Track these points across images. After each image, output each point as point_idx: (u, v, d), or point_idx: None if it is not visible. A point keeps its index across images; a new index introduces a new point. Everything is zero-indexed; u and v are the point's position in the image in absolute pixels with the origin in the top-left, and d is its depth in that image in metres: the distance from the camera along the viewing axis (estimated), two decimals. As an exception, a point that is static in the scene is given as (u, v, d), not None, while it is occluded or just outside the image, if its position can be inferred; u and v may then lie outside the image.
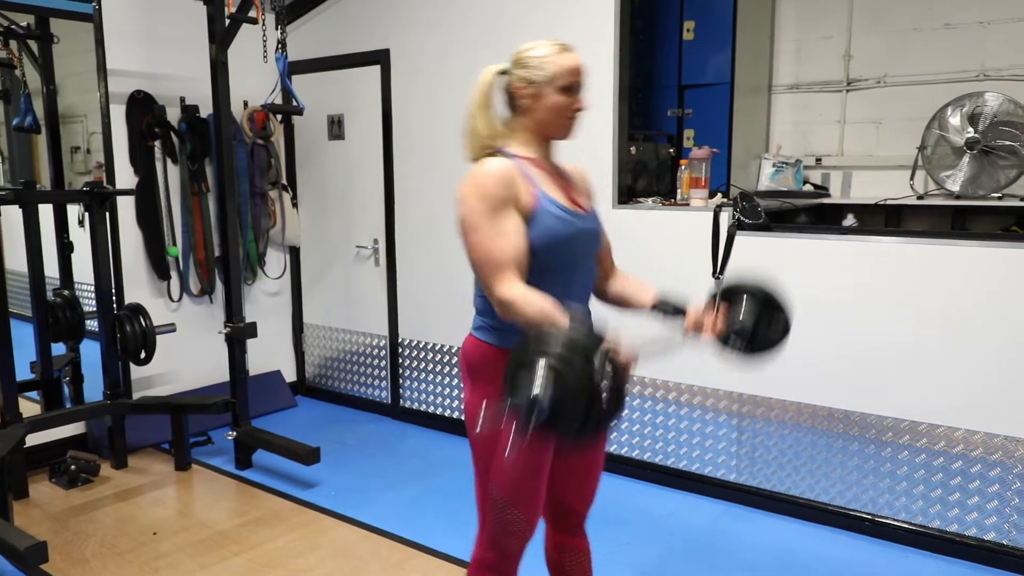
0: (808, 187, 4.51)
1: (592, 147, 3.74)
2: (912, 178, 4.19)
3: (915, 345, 3.07)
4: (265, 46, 3.89)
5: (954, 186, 3.97)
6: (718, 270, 3.50)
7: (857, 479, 3.26)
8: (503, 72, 1.89)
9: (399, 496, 3.71)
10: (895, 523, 3.18)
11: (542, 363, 1.43)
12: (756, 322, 1.93)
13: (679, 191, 3.73)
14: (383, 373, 4.84)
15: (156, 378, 4.46)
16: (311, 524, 3.42)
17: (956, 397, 3.01)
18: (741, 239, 3.45)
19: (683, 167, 3.72)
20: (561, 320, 1.63)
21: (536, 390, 1.41)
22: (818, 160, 4.58)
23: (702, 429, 3.61)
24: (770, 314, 1.95)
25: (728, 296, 1.99)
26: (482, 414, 1.74)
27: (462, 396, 1.90)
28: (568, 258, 1.86)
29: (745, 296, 1.96)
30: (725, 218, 3.48)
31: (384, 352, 4.80)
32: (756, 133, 4.62)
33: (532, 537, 1.94)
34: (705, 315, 1.92)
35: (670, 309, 1.97)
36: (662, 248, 3.58)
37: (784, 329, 1.98)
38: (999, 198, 3.94)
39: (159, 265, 4.41)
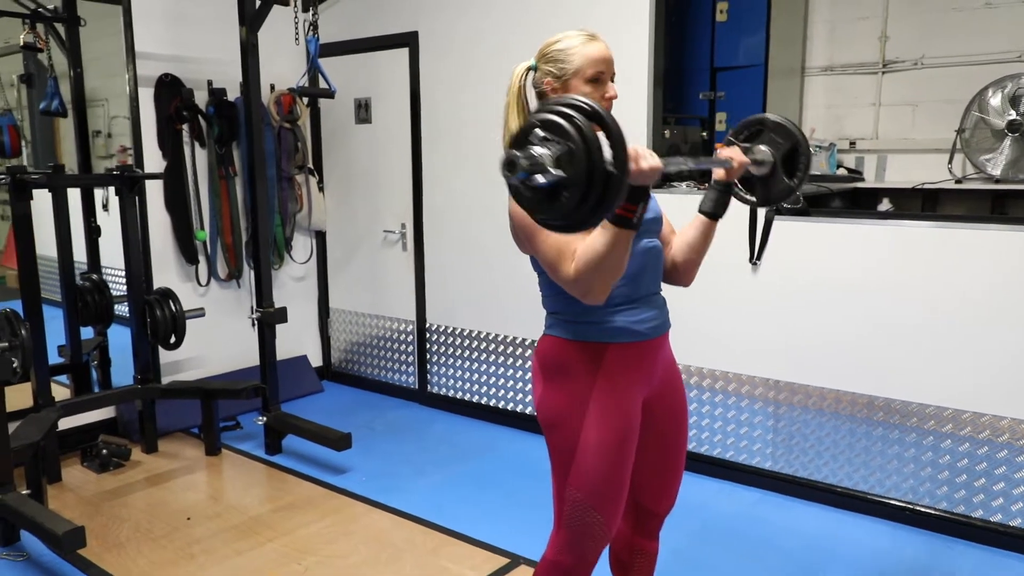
0: (842, 171, 4.44)
1: (626, 131, 3.68)
2: (950, 162, 4.11)
3: (956, 331, 3.01)
4: (297, 28, 3.85)
5: (995, 170, 3.90)
6: (755, 256, 3.47)
7: (897, 467, 3.21)
8: (531, 68, 1.83)
9: (430, 482, 3.70)
10: (935, 512, 3.13)
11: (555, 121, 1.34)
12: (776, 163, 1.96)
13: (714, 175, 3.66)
14: (410, 358, 4.82)
15: (184, 363, 4.45)
16: (343, 510, 3.41)
17: (1002, 385, 2.96)
18: (778, 224, 3.41)
19: (719, 151, 3.65)
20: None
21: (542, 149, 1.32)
22: (852, 144, 4.51)
23: (737, 416, 3.57)
24: (792, 158, 1.96)
25: (755, 135, 2.01)
26: None
27: (530, 397, 1.78)
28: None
29: (772, 136, 1.98)
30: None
31: (411, 337, 4.78)
32: (789, 116, 4.51)
33: (610, 540, 1.88)
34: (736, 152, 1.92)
35: (710, 200, 1.96)
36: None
37: (805, 170, 1.97)
38: (1040, 182, 3.87)
39: (187, 249, 4.40)
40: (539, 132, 1.36)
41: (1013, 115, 3.89)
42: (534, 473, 3.75)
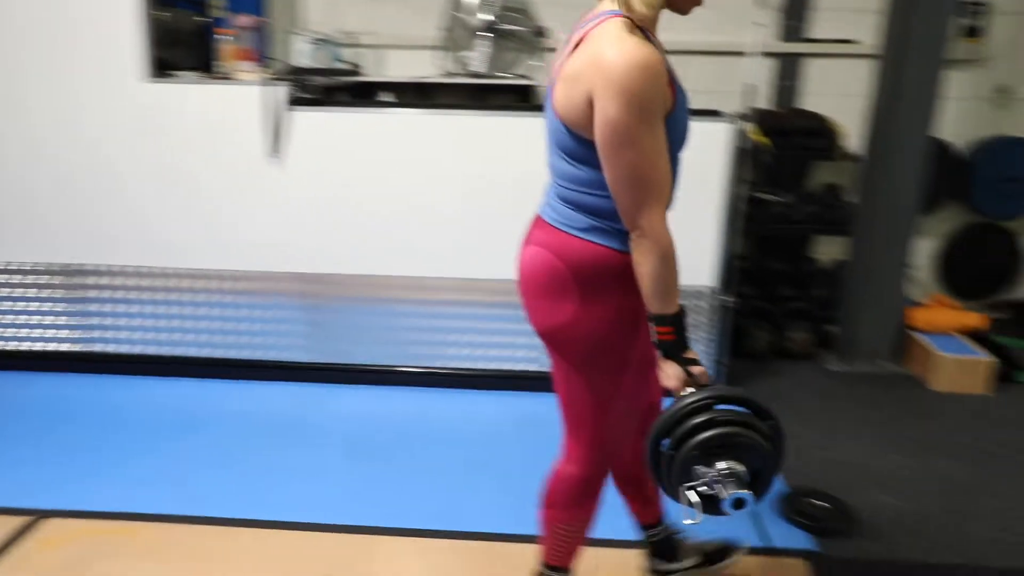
0: (343, 64, 4.51)
1: (112, 10, 3.22)
2: (440, 58, 4.46)
3: (447, 208, 3.41)
4: None
5: (479, 67, 4.33)
6: (274, 148, 3.36)
7: (407, 336, 3.56)
8: None
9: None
10: (408, 369, 3.59)
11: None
12: None
13: (220, 64, 3.44)
14: None
15: None
16: None
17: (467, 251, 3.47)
18: (297, 115, 3.36)
19: (224, 38, 3.41)
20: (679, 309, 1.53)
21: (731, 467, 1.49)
22: (351, 37, 4.60)
23: (264, 315, 3.54)
24: None
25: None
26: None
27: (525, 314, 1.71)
28: (679, 166, 1.60)
29: None
30: (276, 93, 3.32)
31: None
32: (285, 5, 4.45)
33: None
34: None
35: None
36: (206, 127, 3.31)
37: None
38: (509, 77, 4.43)
39: None
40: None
41: (486, 16, 4.33)
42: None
